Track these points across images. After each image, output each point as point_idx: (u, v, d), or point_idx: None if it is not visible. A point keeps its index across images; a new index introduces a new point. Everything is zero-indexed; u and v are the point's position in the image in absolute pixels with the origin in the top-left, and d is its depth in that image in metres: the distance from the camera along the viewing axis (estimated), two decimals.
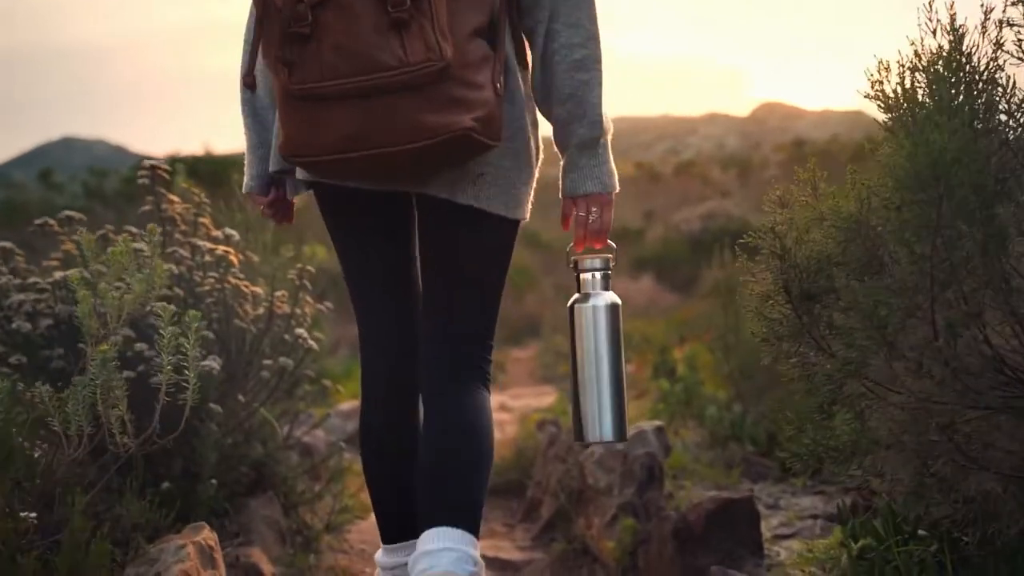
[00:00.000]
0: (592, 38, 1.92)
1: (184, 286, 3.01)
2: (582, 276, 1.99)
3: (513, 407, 7.24)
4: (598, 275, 1.98)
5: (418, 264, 2.13)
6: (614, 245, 1.98)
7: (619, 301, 2.00)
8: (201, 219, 3.24)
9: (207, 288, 3.08)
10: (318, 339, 3.23)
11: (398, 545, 2.17)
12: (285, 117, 1.80)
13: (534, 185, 2.03)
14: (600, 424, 1.96)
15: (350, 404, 5.78)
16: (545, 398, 7.34)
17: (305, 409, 4.15)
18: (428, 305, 2.09)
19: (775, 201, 2.13)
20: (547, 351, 10.97)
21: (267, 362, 3.16)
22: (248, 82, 1.96)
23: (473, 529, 1.91)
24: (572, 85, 1.91)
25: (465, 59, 1.78)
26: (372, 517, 2.56)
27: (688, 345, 9.05)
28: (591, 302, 1.96)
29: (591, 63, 1.91)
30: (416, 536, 1.93)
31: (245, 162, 2.15)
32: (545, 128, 2.06)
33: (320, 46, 1.72)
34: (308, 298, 3.38)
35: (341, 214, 2.08)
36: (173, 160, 3.44)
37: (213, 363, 2.80)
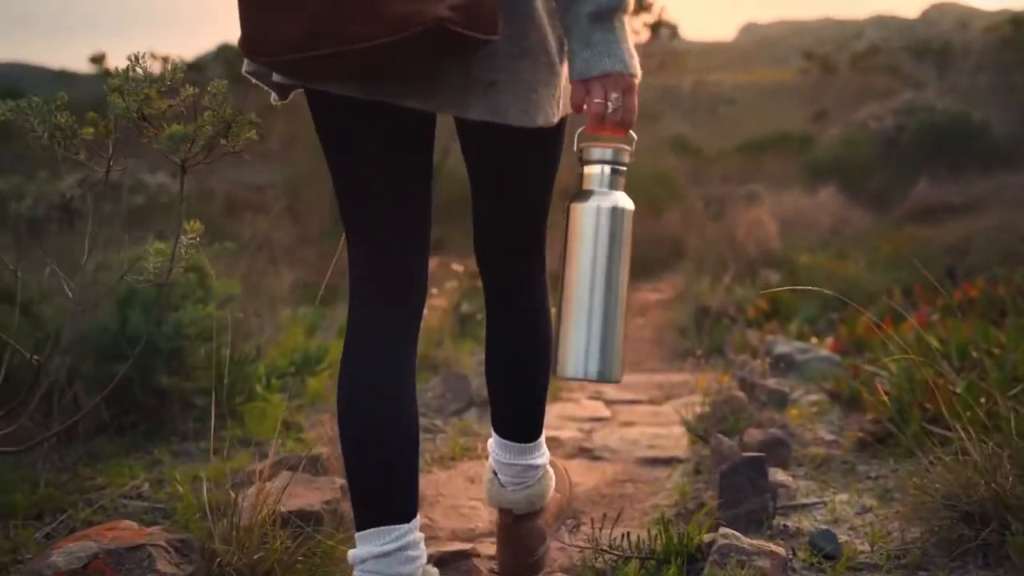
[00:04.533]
0: None
1: None
2: (586, 169, 1.64)
3: (611, 442, 3.63)
4: (607, 169, 1.62)
5: (431, 183, 1.81)
6: (634, 136, 1.62)
7: (630, 206, 1.63)
8: None
9: None
10: None
11: (376, 530, 1.74)
12: (241, 10, 1.57)
13: (562, 84, 1.70)
14: (586, 356, 1.60)
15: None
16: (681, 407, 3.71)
17: None
18: (483, 227, 1.96)
19: None
20: (688, 299, 7.25)
21: None
22: None
23: (532, 437, 2.11)
24: None
25: None
26: None
27: (924, 304, 5.22)
28: (593, 202, 1.61)
29: None
30: (400, 520, 1.75)
31: None
32: None
33: None
34: None
35: (339, 123, 1.73)
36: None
37: None
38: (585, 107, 1.63)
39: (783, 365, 4.73)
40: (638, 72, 1.63)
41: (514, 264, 1.99)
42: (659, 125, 13.70)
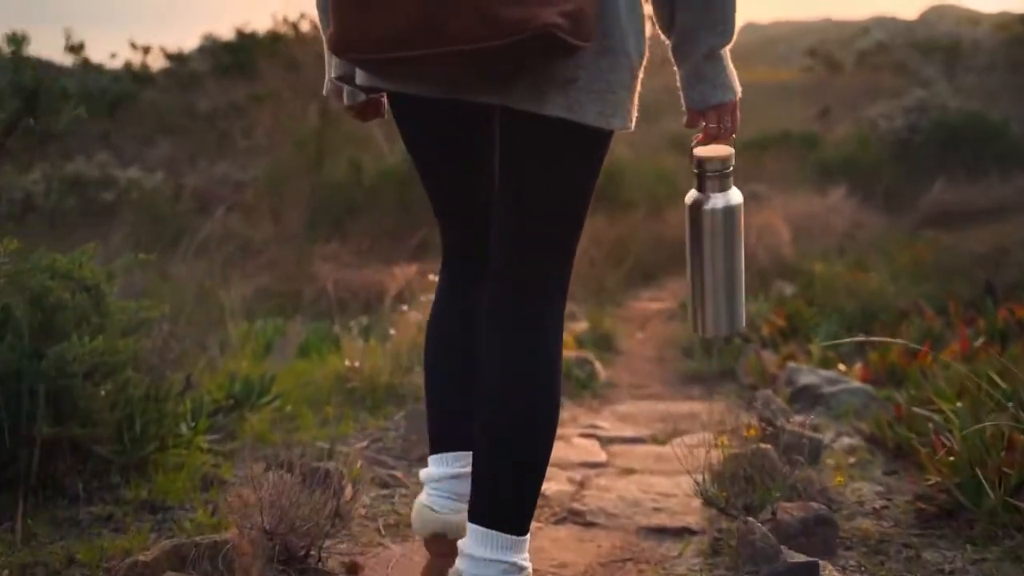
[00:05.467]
0: None
1: None
2: (703, 176, 1.87)
3: (607, 501, 2.97)
4: (719, 174, 1.87)
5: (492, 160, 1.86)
6: (735, 137, 1.87)
7: (740, 199, 1.89)
8: None
9: None
10: None
11: (447, 455, 1.95)
12: (335, 5, 1.56)
13: (638, 88, 1.72)
14: (717, 320, 1.91)
15: None
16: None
17: None
18: (502, 232, 1.83)
19: None
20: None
21: None
22: None
23: (520, 527, 1.80)
24: None
25: None
26: None
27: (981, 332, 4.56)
28: (711, 204, 1.87)
29: None
30: (466, 448, 1.86)
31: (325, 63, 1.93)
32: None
33: None
34: None
35: (411, 124, 1.85)
36: None
37: None
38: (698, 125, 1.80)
39: (808, 399, 4.07)
40: (739, 89, 1.79)
41: (530, 293, 1.84)
42: (659, 123, 12.93)
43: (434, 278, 5.80)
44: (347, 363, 4.08)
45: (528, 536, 1.84)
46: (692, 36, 1.72)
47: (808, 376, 4.16)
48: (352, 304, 6.09)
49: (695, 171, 1.88)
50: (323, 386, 4.02)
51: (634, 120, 1.74)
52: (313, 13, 1.79)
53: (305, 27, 12.82)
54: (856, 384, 4.08)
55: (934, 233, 8.48)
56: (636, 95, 1.73)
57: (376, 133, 9.94)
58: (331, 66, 1.85)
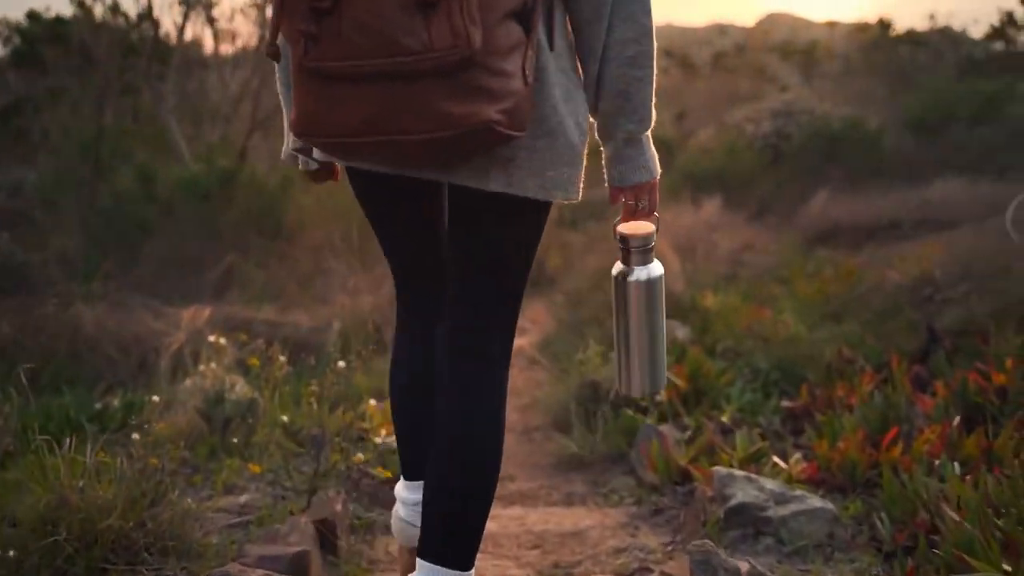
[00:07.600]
0: (646, 34, 1.82)
1: None
2: (626, 250, 1.99)
3: None
4: (641, 249, 1.98)
5: (443, 222, 2.03)
6: (657, 215, 1.98)
7: (661, 270, 2.02)
8: None
9: None
10: None
11: (419, 483, 2.09)
12: (299, 93, 1.70)
13: (582, 163, 1.88)
14: (643, 380, 2.04)
15: None
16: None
17: None
18: (453, 291, 1.99)
19: None
20: (570, 370, 5.22)
21: None
22: (270, 52, 1.76)
23: (466, 562, 1.94)
24: (624, 81, 1.83)
25: (494, 45, 1.65)
26: None
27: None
28: (635, 276, 1.99)
29: (645, 59, 1.83)
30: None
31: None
32: None
33: (340, 22, 1.62)
34: None
35: (366, 194, 2.01)
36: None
37: None
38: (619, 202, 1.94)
39: (748, 524, 2.84)
40: (659, 171, 1.91)
41: (479, 330, 1.97)
42: None
43: (218, 339, 4.41)
44: (59, 493, 2.62)
45: (473, 570, 1.92)
46: (612, 122, 1.84)
47: (746, 489, 2.92)
48: (122, 364, 4.57)
49: (620, 246, 1.96)
50: (19, 533, 2.56)
51: (580, 191, 1.85)
52: None
53: (99, 11, 11.07)
54: (815, 503, 2.86)
55: (828, 253, 7.48)
56: (581, 170, 1.85)
57: (176, 136, 8.27)
58: (289, 139, 1.99)
